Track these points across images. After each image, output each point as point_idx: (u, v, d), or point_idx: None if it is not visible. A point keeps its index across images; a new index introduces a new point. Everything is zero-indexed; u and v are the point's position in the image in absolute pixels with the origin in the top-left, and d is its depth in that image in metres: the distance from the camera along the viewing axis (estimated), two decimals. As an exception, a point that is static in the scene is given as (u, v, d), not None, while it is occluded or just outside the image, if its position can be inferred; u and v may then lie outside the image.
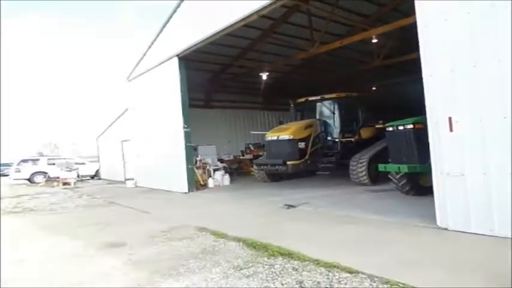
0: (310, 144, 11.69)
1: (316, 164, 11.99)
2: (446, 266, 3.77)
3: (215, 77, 16.58)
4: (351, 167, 10.69)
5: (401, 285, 3.31)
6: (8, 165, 38.21)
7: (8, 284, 3.22)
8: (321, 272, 3.87)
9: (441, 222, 5.30)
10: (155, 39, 12.77)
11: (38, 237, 6.75)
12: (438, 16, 5.32)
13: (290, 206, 7.90)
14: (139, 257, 4.99)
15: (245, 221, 6.84)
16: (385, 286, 3.37)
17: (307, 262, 4.19)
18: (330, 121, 12.34)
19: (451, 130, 5.20)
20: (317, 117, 12.65)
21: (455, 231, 5.05)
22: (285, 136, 11.67)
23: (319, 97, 12.35)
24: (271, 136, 12.27)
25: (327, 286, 3.48)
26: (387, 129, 8.23)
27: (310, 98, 12.55)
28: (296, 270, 4.00)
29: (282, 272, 3.98)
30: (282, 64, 15.31)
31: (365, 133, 12.24)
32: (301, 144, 11.56)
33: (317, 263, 4.12)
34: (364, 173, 10.42)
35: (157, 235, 6.19)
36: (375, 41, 11.60)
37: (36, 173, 21.75)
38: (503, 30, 4.59)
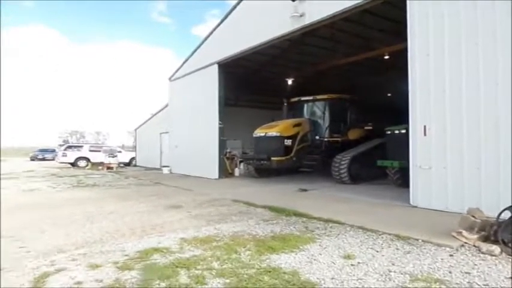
0: (297, 142, 12.07)
1: (301, 161, 12.34)
2: (404, 224, 5.74)
3: (246, 80, 18.62)
4: (333, 164, 11.25)
5: (368, 228, 5.35)
6: (45, 150, 41.76)
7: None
8: (320, 223, 5.95)
9: (413, 202, 7.26)
10: (198, 48, 15.11)
11: (113, 202, 8.99)
12: (422, 52, 7.22)
13: (303, 190, 9.97)
14: (195, 213, 7.17)
15: (268, 197, 8.88)
16: (359, 230, 5.41)
17: (312, 219, 6.27)
18: (320, 121, 12.82)
19: (424, 135, 7.14)
20: (308, 116, 13.14)
21: (422, 208, 7.00)
22: (272, 133, 12.01)
23: (311, 97, 13.03)
24: (259, 132, 12.54)
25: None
26: (386, 132, 10.08)
27: (303, 98, 13.24)
28: (304, 222, 6.09)
29: (295, 222, 6.08)
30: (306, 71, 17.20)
31: (353, 134, 12.91)
32: (288, 142, 11.90)
33: (319, 219, 6.20)
34: (345, 170, 11.01)
35: (203, 203, 8.39)
36: (386, 57, 13.22)
37: (79, 158, 24.47)
38: (465, 70, 6.53)
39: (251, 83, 18.90)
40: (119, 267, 4.02)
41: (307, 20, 10.01)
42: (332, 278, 3.61)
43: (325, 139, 12.54)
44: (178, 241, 5.04)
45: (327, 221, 6.03)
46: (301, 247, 4.63)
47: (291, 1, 10.23)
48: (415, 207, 7.13)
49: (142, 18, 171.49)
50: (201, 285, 3.49)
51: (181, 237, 5.23)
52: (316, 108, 13.19)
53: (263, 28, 11.50)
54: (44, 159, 37.12)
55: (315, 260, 4.17)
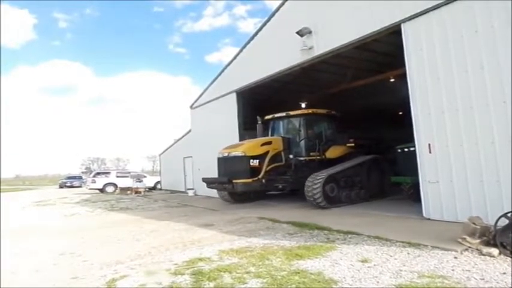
0: (266, 162, 11.07)
1: (273, 183, 11.26)
2: (415, 233, 6.37)
3: (261, 105, 19.58)
4: (306, 185, 10.23)
5: (384, 238, 6.03)
6: (73, 178, 43.51)
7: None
8: (340, 235, 6.66)
9: (426, 214, 7.85)
10: (216, 78, 16.31)
11: (150, 222, 9.90)
12: (420, 78, 8.03)
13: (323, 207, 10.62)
14: (227, 230, 7.96)
15: (291, 214, 9.59)
16: (375, 239, 6.10)
17: (333, 231, 6.98)
18: (296, 139, 11.91)
19: (430, 152, 7.83)
20: (284, 134, 12.28)
21: (434, 220, 7.59)
22: (236, 153, 11.11)
23: (284, 114, 12.23)
24: (222, 153, 11.67)
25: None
26: (397, 150, 10.70)
27: (277, 115, 12.51)
28: (326, 234, 6.81)
29: (317, 235, 6.81)
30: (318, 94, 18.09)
31: (333, 152, 11.97)
32: (254, 162, 10.91)
33: (338, 231, 6.90)
34: (318, 191, 9.99)
35: (232, 221, 9.19)
36: (392, 80, 13.96)
37: (107, 184, 25.76)
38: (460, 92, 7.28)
39: (266, 107, 19.82)
40: (172, 273, 4.84)
41: (316, 52, 10.87)
42: (352, 277, 4.33)
43: (301, 158, 11.67)
44: (217, 252, 5.84)
45: (346, 232, 6.73)
46: (324, 254, 5.36)
47: (299, 36, 11.22)
48: (428, 219, 7.72)
49: (160, 51, 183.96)
50: (243, 284, 4.26)
51: (219, 249, 6.03)
52: (291, 125, 12.43)
53: (277, 59, 12.49)
54: (72, 186, 38.73)
55: (336, 263, 4.89)
